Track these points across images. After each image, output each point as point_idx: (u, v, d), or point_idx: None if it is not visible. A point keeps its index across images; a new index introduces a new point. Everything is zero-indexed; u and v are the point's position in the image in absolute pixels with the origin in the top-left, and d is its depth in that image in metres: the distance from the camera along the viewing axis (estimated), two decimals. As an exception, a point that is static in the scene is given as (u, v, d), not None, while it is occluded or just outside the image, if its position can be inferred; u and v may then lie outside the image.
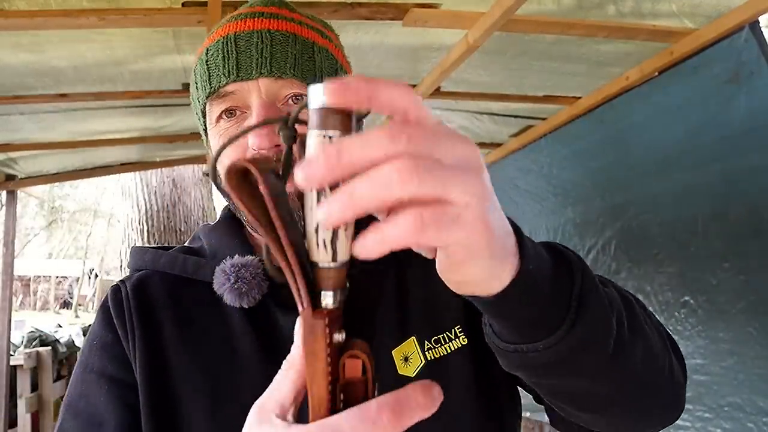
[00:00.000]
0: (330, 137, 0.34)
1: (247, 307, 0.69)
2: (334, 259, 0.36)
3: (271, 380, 0.67)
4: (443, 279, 0.41)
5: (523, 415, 0.75)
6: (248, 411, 0.65)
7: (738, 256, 1.66)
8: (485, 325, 0.50)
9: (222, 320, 0.71)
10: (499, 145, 2.81)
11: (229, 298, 0.68)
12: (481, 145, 2.84)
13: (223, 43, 0.68)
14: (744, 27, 1.48)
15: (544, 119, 2.42)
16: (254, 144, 0.64)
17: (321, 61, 0.70)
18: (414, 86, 2.08)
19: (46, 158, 2.92)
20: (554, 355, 0.46)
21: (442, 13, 1.50)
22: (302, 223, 0.37)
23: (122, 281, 0.76)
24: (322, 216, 0.33)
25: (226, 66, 0.66)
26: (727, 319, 1.71)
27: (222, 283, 0.69)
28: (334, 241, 0.36)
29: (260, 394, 0.66)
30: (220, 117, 0.69)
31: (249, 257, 0.70)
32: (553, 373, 0.49)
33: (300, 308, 0.37)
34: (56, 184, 7.46)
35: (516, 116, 2.44)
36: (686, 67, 1.68)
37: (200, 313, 0.72)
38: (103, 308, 0.73)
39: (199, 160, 3.46)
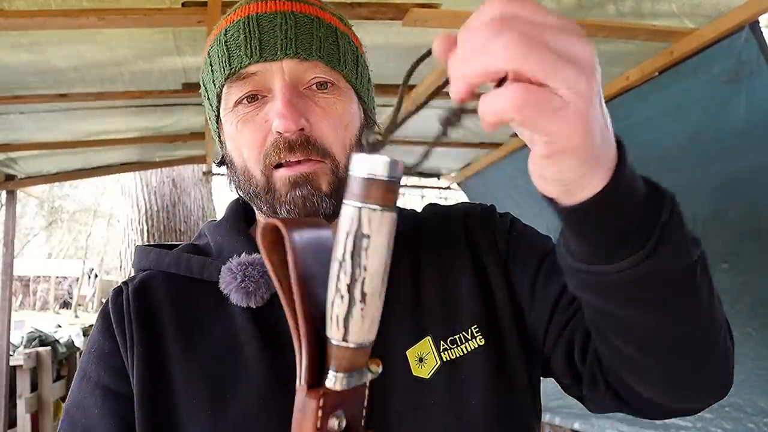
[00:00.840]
0: (372, 209, 0.33)
1: (254, 306, 0.67)
2: (344, 338, 0.34)
3: (275, 381, 0.65)
4: (531, 172, 0.41)
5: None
6: (251, 413, 0.64)
7: (737, 257, 1.66)
8: (559, 244, 0.50)
9: (226, 321, 0.69)
10: (499, 144, 2.81)
11: (235, 298, 0.67)
12: (481, 145, 2.84)
13: (244, 23, 0.65)
14: (744, 27, 1.48)
15: (544, 119, 2.41)
16: (279, 126, 0.62)
17: (344, 46, 0.68)
18: (414, 86, 2.08)
19: (46, 158, 2.92)
20: (624, 279, 0.44)
21: (442, 13, 1.50)
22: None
23: (125, 282, 0.74)
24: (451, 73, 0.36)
25: (249, 46, 0.64)
26: (726, 319, 1.71)
27: (228, 282, 0.67)
28: (347, 318, 0.34)
29: (264, 396, 0.64)
30: (239, 101, 0.66)
31: (256, 255, 0.68)
32: (619, 300, 0.48)
33: (298, 383, 0.35)
34: (56, 184, 7.46)
35: (516, 116, 2.43)
36: (686, 67, 1.68)
37: (204, 314, 0.70)
38: (103, 313, 0.71)
39: (199, 160, 3.46)
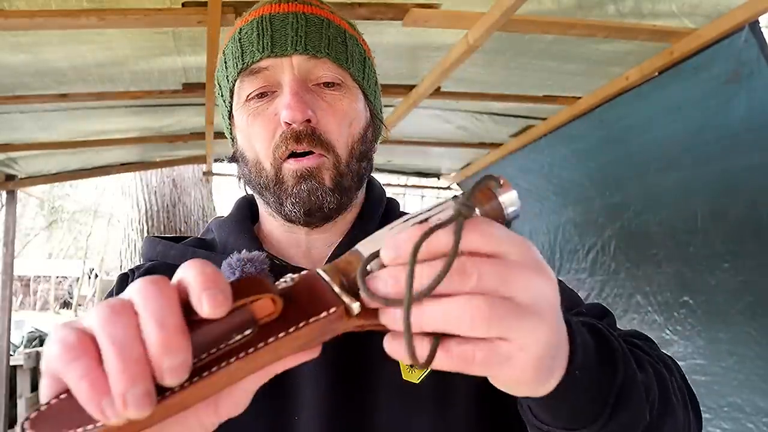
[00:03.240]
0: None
1: None
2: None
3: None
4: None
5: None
6: (245, 409, 0.63)
7: (737, 256, 1.66)
8: (519, 404, 0.51)
9: None
10: (499, 145, 2.81)
11: None
12: (481, 145, 2.85)
13: (257, 22, 0.69)
14: (744, 27, 1.48)
15: (544, 119, 2.41)
16: (287, 117, 0.65)
17: (352, 47, 0.72)
18: (414, 86, 2.08)
19: (46, 158, 2.92)
20: None
21: (442, 13, 1.50)
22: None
23: (132, 270, 0.77)
24: (389, 319, 0.35)
25: (261, 42, 0.68)
26: (726, 319, 1.71)
27: (228, 277, 0.67)
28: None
29: (262, 388, 0.64)
30: (251, 97, 0.69)
31: (256, 252, 0.69)
32: None
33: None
34: (56, 184, 7.45)
35: (516, 116, 2.44)
36: (686, 67, 1.68)
37: None
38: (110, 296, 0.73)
39: (199, 160, 3.46)
